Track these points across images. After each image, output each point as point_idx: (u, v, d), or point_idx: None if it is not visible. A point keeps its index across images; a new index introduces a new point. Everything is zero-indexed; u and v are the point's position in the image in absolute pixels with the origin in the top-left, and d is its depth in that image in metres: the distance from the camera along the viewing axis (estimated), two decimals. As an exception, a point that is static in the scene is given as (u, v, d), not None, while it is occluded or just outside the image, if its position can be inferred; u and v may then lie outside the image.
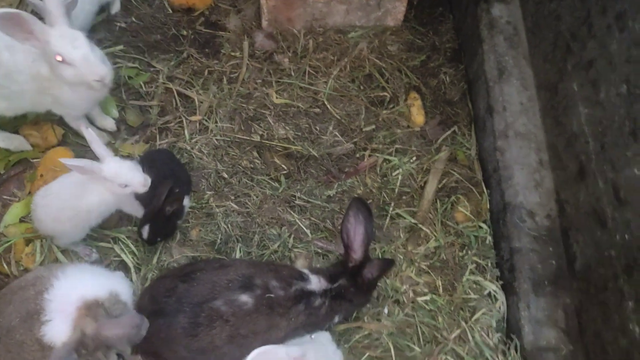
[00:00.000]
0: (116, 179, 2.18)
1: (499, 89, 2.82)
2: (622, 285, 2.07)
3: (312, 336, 2.21)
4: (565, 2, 2.56)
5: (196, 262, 2.39)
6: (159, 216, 2.40)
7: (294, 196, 2.71)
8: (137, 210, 2.45)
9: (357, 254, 2.22)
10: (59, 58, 2.15)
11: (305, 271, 2.25)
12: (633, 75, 2.09)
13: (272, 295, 2.10)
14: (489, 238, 2.69)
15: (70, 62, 2.16)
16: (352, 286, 2.23)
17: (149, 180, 2.25)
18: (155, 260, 2.50)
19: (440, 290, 2.56)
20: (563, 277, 2.43)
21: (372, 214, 2.24)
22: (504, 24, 2.97)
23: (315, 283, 2.21)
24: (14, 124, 2.70)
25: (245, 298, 2.06)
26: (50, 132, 2.72)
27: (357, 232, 2.22)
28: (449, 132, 2.96)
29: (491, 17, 2.99)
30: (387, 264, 2.23)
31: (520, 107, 2.77)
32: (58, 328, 1.92)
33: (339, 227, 2.64)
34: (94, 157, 2.69)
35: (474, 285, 2.58)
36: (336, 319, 2.29)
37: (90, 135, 2.18)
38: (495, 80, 2.86)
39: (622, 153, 2.11)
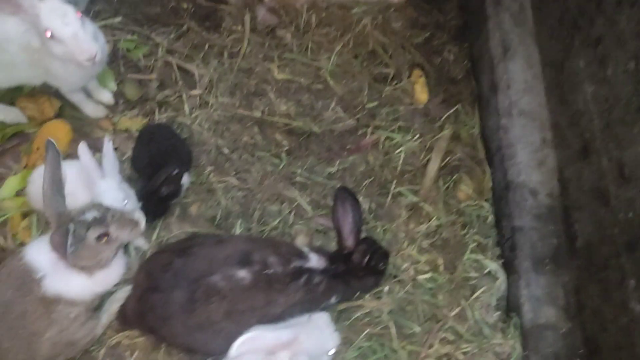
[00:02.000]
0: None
1: (504, 66, 2.78)
2: (623, 263, 2.05)
3: (309, 317, 2.20)
4: (574, -22, 2.51)
5: (194, 236, 2.36)
6: (153, 197, 2.37)
7: (295, 173, 2.68)
8: None
9: (348, 241, 2.21)
10: (48, 34, 2.09)
11: (305, 249, 2.23)
12: (642, 51, 2.05)
13: (270, 271, 2.08)
14: (491, 217, 2.67)
15: (60, 39, 2.10)
16: (348, 270, 2.22)
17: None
18: (154, 236, 2.47)
19: (441, 268, 2.54)
20: (563, 255, 2.42)
21: (357, 201, 2.22)
22: (510, 1, 2.92)
23: (315, 261, 2.20)
24: (10, 95, 2.65)
25: (243, 273, 2.04)
26: (47, 105, 2.67)
27: (345, 221, 2.20)
28: (452, 110, 2.92)
29: (497, -6, 2.94)
30: (369, 246, 2.21)
31: (524, 85, 2.73)
32: (57, 277, 1.93)
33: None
34: (90, 132, 2.69)
35: (475, 264, 2.57)
36: (333, 299, 2.27)
37: (108, 149, 2.20)
38: (500, 58, 2.81)
39: (629, 130, 2.08)
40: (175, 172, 2.38)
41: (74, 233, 1.80)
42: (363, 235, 2.27)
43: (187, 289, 1.99)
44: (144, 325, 2.11)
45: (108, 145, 2.24)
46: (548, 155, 2.60)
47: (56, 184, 1.90)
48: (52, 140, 1.95)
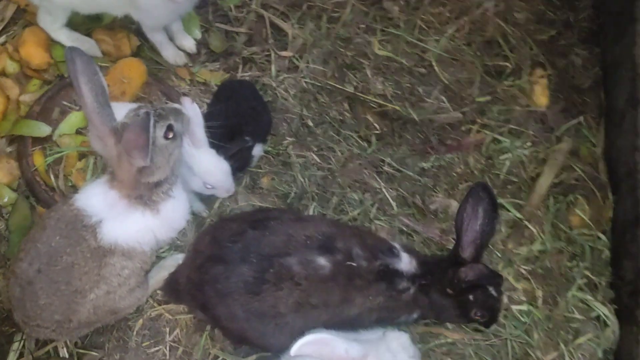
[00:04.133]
0: (205, 177, 1.97)
1: (649, 79, 2.37)
2: None
3: (384, 333, 1.83)
4: None
5: (269, 209, 2.06)
6: None
7: (383, 161, 2.37)
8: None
9: (464, 252, 1.75)
10: None
11: (397, 246, 1.87)
12: None
13: (353, 264, 1.74)
14: (607, 252, 2.28)
15: None
16: (439, 280, 1.80)
17: (233, 189, 2.06)
18: (217, 204, 2.21)
19: (540, 302, 2.17)
20: None
21: (496, 207, 1.76)
22: (665, 5, 2.50)
23: (406, 263, 1.84)
24: (87, 25, 2.47)
25: (322, 261, 1.72)
26: (125, 41, 2.45)
27: (470, 226, 1.75)
28: (574, 122, 2.53)
29: (650, -5, 2.52)
30: (490, 275, 1.76)
31: (673, 103, 2.31)
32: (116, 220, 1.66)
33: (430, 207, 2.29)
34: (166, 78, 2.44)
35: (580, 304, 2.19)
36: (415, 315, 1.89)
37: (195, 112, 1.91)
38: (645, 69, 2.40)
39: None
40: (248, 145, 2.13)
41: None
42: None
43: (256, 266, 1.70)
44: (197, 300, 1.81)
45: (195, 109, 1.93)
46: (693, 191, 2.17)
47: (99, 96, 1.63)
48: (77, 47, 1.72)
